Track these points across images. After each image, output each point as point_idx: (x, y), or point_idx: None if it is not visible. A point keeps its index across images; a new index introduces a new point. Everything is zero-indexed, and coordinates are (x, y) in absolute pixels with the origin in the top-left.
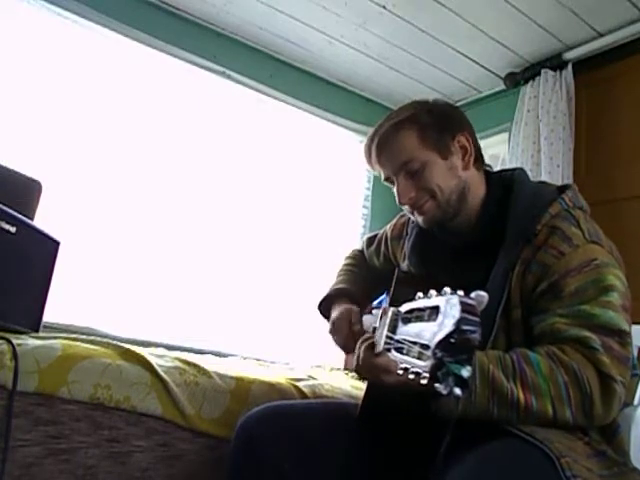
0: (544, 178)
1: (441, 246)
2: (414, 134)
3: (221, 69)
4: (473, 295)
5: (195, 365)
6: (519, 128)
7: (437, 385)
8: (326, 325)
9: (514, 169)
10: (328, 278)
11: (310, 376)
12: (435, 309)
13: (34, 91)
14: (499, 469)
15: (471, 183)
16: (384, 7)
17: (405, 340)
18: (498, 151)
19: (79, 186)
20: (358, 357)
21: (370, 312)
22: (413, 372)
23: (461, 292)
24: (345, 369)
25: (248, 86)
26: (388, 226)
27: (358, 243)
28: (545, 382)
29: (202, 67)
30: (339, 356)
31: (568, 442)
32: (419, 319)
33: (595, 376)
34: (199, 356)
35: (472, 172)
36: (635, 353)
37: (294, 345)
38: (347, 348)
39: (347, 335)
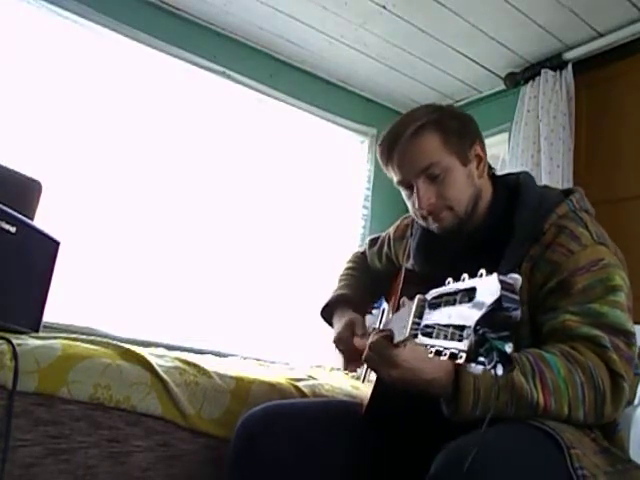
0: (544, 178)
1: (446, 246)
2: (437, 137)
3: (221, 69)
4: (508, 276)
5: (195, 365)
6: (519, 128)
7: (472, 365)
8: (328, 329)
9: (519, 173)
10: (328, 278)
11: (310, 376)
12: (469, 291)
13: (34, 91)
14: (505, 448)
15: (482, 190)
16: (384, 7)
17: (436, 324)
18: (498, 151)
19: (79, 186)
20: (372, 346)
21: (370, 312)
22: (447, 354)
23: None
24: (345, 369)
25: (248, 86)
26: (391, 228)
27: (358, 243)
28: (564, 384)
29: (202, 67)
30: (339, 356)
31: (578, 435)
32: (449, 303)
33: (607, 375)
34: (199, 356)
35: (484, 180)
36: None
37: (294, 345)
38: (350, 360)
39: (351, 346)
